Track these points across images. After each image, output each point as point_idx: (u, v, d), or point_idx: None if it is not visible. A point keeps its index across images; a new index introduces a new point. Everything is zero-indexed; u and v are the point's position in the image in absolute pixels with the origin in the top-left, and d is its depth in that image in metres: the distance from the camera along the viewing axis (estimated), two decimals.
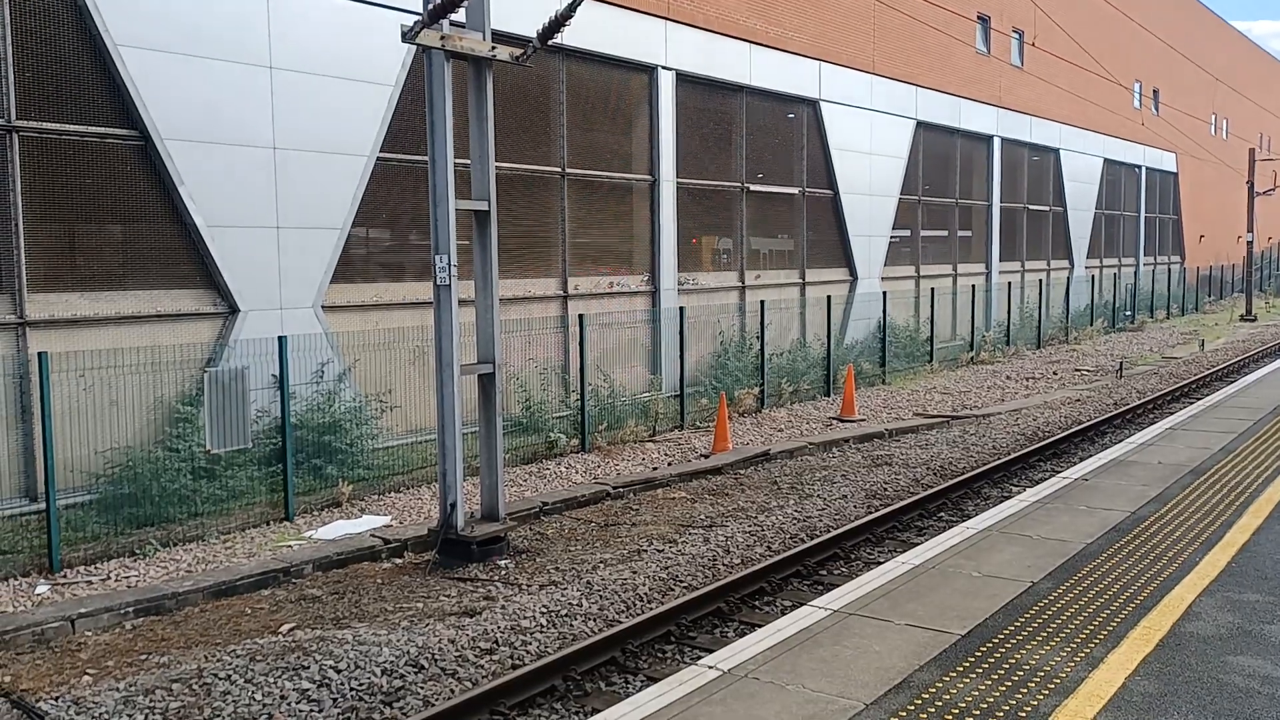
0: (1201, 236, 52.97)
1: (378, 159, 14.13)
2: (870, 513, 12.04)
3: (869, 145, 25.53)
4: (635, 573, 9.78)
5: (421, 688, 7.35)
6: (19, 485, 10.92)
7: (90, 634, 8.58)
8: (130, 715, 6.90)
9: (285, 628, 8.63)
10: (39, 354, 10.11)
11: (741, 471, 14.66)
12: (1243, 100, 57.16)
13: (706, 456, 15.34)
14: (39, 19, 11.11)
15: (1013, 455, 14.94)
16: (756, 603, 9.27)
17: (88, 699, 7.13)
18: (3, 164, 10.88)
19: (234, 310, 12.65)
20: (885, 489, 13.38)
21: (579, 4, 10.18)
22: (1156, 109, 45.35)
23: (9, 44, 10.82)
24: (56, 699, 7.18)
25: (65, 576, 9.89)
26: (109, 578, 9.87)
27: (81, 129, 11.45)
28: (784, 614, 8.08)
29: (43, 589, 9.54)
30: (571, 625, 8.51)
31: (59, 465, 10.31)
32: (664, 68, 19.02)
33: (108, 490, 11.02)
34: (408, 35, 9.72)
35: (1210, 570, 7.44)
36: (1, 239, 10.94)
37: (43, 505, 10.22)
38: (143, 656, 8.04)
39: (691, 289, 20.20)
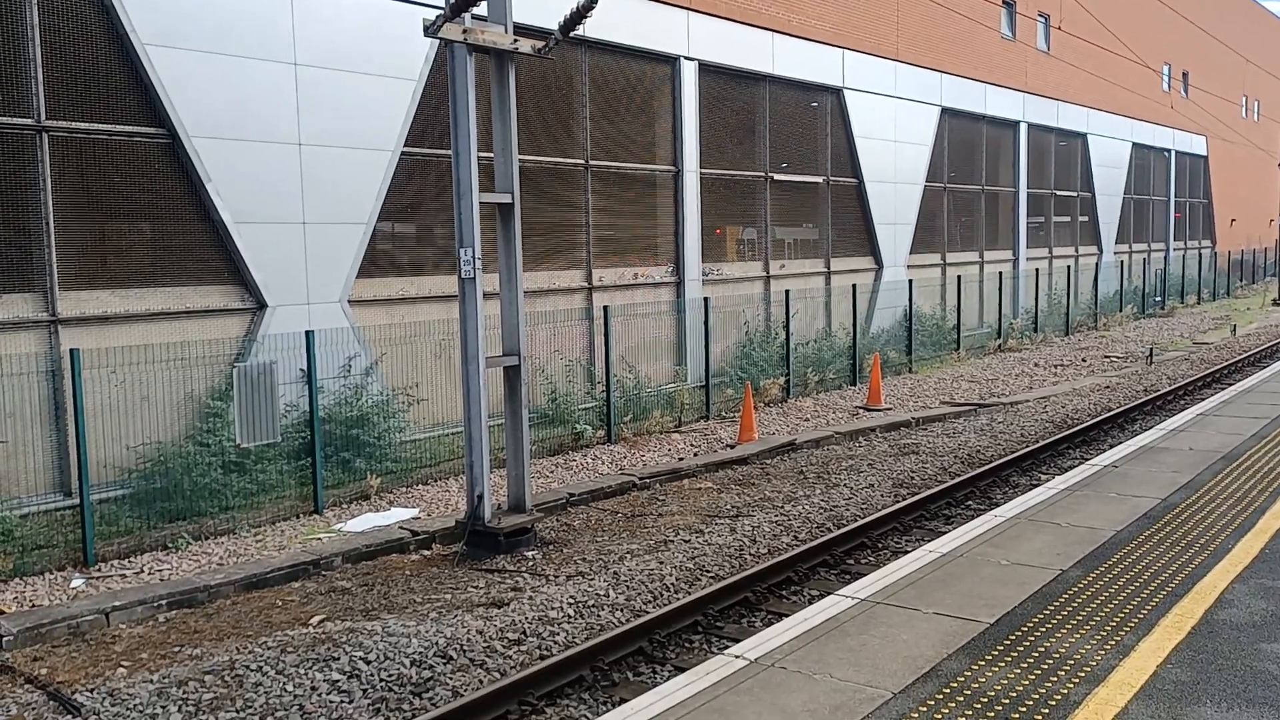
0: (1233, 220, 52.28)
1: (402, 153, 14.19)
2: (897, 502, 11.99)
3: (893, 133, 25.36)
4: (662, 563, 9.80)
5: (450, 678, 7.40)
6: (53, 481, 11.07)
7: (124, 626, 8.70)
8: (164, 707, 6.99)
9: (315, 619, 8.71)
10: (71, 351, 10.24)
11: (768, 461, 14.64)
12: (1274, 81, 56.31)
13: (732, 447, 15.33)
14: (67, 20, 11.21)
15: (1041, 443, 14.83)
16: (783, 592, 9.27)
17: (122, 691, 7.23)
18: (33, 163, 11.00)
19: (262, 305, 12.75)
20: (912, 478, 13.33)
21: None
22: (1186, 91, 44.76)
23: (38, 45, 10.93)
24: (92, 691, 7.29)
25: (99, 570, 10.03)
26: (142, 571, 10.00)
27: (110, 128, 11.56)
28: (811, 603, 8.06)
29: (78, 582, 9.68)
30: (599, 616, 8.54)
31: (92, 461, 10.44)
32: (686, 58, 18.97)
33: (140, 485, 11.16)
34: (430, 29, 9.75)
35: (1243, 557, 7.36)
36: (33, 237, 11.08)
37: (77, 500, 10.36)
38: (176, 648, 8.14)
39: (716, 279, 20.16)
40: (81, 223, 11.67)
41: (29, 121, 10.92)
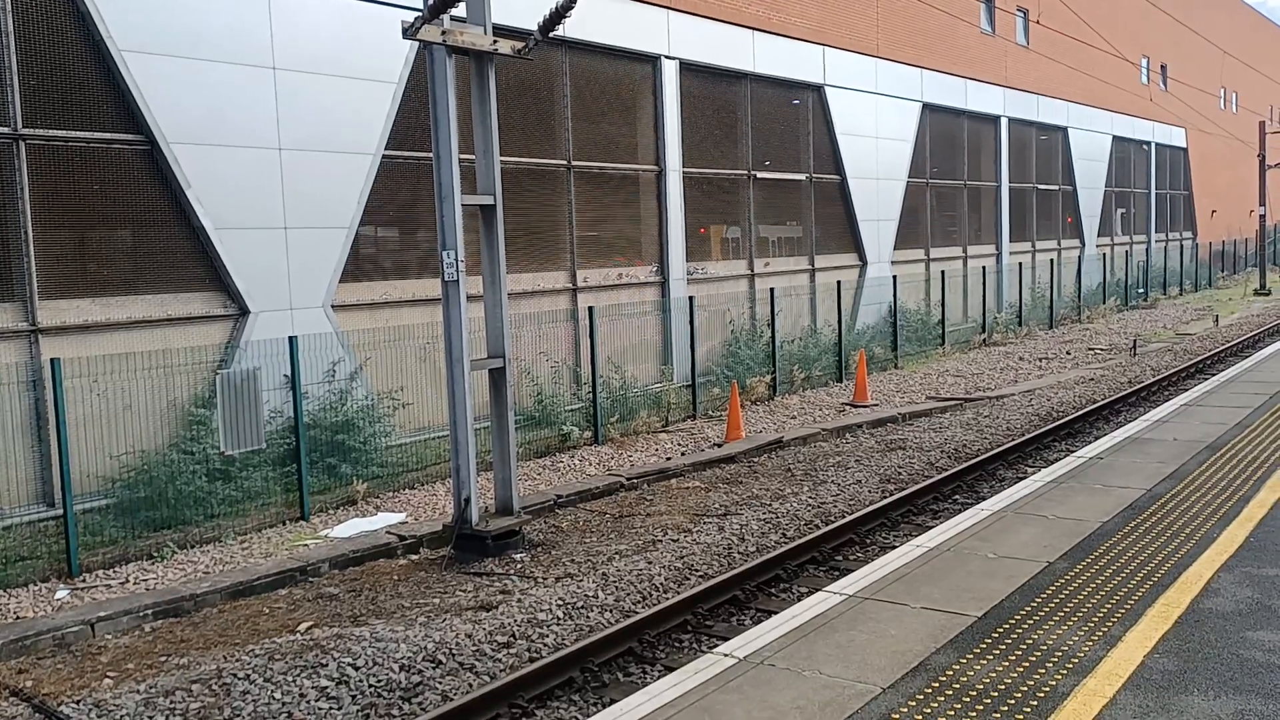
0: (1213, 211, 52.59)
1: (383, 157, 14.13)
2: (885, 497, 12.01)
3: (875, 129, 25.42)
4: (651, 563, 9.78)
5: (439, 683, 7.37)
6: (36, 491, 10.98)
7: (110, 637, 8.64)
8: (151, 717, 6.94)
9: (303, 626, 8.66)
10: (51, 360, 10.17)
11: (755, 459, 14.64)
12: (1252, 73, 56.69)
13: (720, 445, 15.33)
14: (43, 27, 11.13)
15: (1027, 436, 14.88)
16: (772, 590, 9.27)
17: (109, 702, 7.18)
18: (11, 172, 10.92)
19: (244, 312, 12.68)
20: (899, 473, 13.35)
21: None
22: (1165, 84, 45.01)
23: (14, 52, 10.84)
24: (78, 703, 7.23)
25: (84, 581, 9.95)
26: (127, 581, 9.93)
27: (88, 135, 11.48)
28: (799, 600, 8.07)
29: (62, 594, 9.60)
30: (588, 617, 8.52)
31: (75, 471, 10.37)
32: (667, 57, 18.96)
33: (124, 494, 11.08)
34: (409, 31, 9.71)
35: (1229, 545, 7.40)
36: (11, 247, 10.99)
37: (60, 511, 10.28)
38: (162, 658, 8.08)
39: (701, 278, 20.16)
40: (61, 231, 11.59)
41: (5, 130, 10.84)
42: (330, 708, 7.03)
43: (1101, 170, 39.38)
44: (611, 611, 8.65)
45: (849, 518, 10.86)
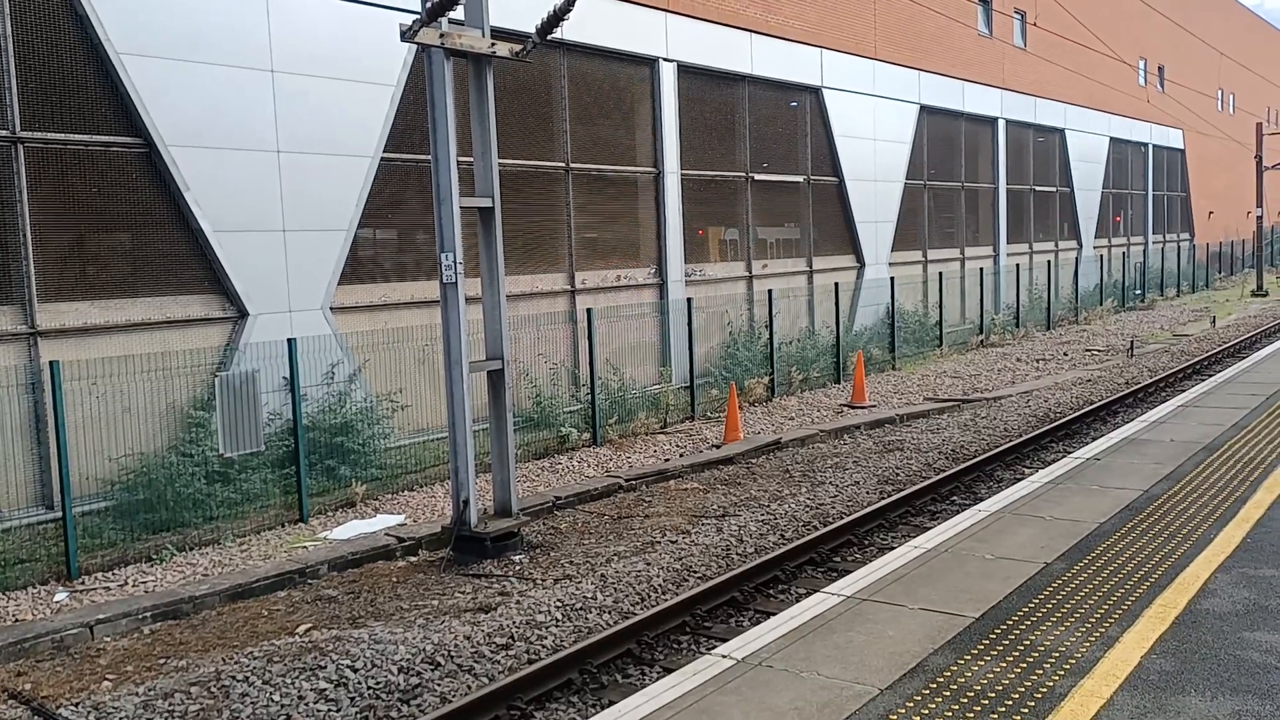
0: (1211, 213, 52.67)
1: (382, 159, 14.14)
2: (883, 498, 12.03)
3: (873, 131, 25.45)
4: (649, 564, 9.79)
5: (438, 685, 7.38)
6: (35, 494, 10.98)
7: (109, 640, 8.64)
8: (149, 719, 6.95)
9: (302, 629, 8.67)
10: (50, 363, 10.17)
11: (753, 460, 14.65)
12: (1249, 75, 56.79)
13: (718, 447, 15.34)
14: (41, 30, 11.14)
15: (1024, 437, 14.90)
16: (771, 591, 9.28)
17: (107, 704, 7.18)
18: (9, 175, 10.93)
19: (243, 314, 12.69)
20: (897, 474, 13.37)
21: None
22: (1162, 85, 45.07)
23: (12, 55, 10.85)
24: (77, 705, 7.24)
25: (83, 583, 9.95)
26: (126, 583, 9.93)
27: (86, 138, 11.49)
28: (798, 602, 8.06)
29: (61, 596, 9.61)
30: (586, 618, 8.53)
31: (74, 473, 10.37)
32: (665, 59, 18.98)
33: (123, 497, 11.08)
34: (406, 34, 9.72)
35: (1226, 546, 7.42)
36: (10, 250, 11.00)
37: (59, 513, 10.28)
38: (161, 661, 8.09)
39: (699, 280, 20.18)
40: (59, 234, 11.60)
41: (4, 133, 10.85)
42: (329, 710, 7.04)
43: (1099, 172, 39.42)
44: (610, 613, 8.67)
45: (847, 519, 10.88)
